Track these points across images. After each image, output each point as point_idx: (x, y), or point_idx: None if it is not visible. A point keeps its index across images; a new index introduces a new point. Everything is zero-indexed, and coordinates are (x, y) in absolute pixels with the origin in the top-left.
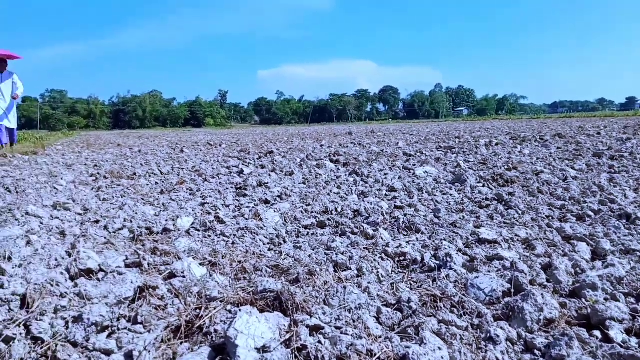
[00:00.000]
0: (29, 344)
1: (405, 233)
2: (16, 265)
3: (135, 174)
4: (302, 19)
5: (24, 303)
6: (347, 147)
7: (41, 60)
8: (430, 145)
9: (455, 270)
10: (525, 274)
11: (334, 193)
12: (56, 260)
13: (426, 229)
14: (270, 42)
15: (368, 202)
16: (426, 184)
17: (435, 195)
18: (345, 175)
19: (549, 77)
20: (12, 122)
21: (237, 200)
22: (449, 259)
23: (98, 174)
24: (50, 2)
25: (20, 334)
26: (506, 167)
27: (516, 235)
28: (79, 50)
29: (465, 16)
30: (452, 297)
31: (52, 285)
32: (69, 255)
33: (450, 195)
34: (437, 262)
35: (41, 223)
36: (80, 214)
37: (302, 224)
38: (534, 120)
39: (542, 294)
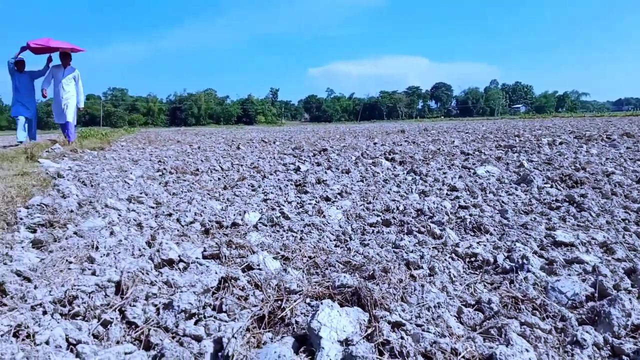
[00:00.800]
0: (124, 328)
1: (473, 233)
2: (104, 255)
3: (198, 169)
4: (353, 16)
5: (118, 289)
6: (402, 145)
7: (103, 59)
8: (489, 144)
9: (533, 273)
10: (609, 279)
11: (394, 191)
12: (139, 250)
13: (495, 229)
14: (321, 40)
15: (430, 201)
16: (489, 183)
17: (500, 196)
18: (403, 173)
19: (613, 73)
20: (68, 115)
21: (298, 197)
22: (525, 261)
23: (164, 169)
24: (110, 4)
25: (116, 318)
26: (574, 167)
27: (593, 238)
28: (139, 50)
29: (523, 10)
30: (534, 300)
31: (142, 274)
32: (149, 245)
33: (517, 195)
34: (512, 264)
35: (119, 215)
36: (153, 207)
37: (367, 222)
38: (598, 118)
39: (629, 299)
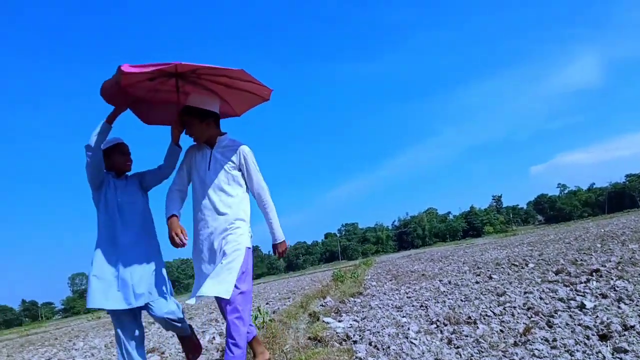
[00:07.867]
0: None
1: None
2: None
3: (470, 317)
4: (566, 103)
5: None
6: None
7: (335, 199)
8: None
9: None
10: None
11: None
12: None
13: None
14: (537, 136)
15: None
16: None
17: None
18: None
19: None
20: (227, 278)
21: (618, 357)
22: None
23: (437, 320)
24: (328, 151)
25: None
26: None
27: None
28: (363, 184)
29: None
30: None
31: None
32: None
33: None
34: None
35: None
36: None
37: None
38: None
39: None
